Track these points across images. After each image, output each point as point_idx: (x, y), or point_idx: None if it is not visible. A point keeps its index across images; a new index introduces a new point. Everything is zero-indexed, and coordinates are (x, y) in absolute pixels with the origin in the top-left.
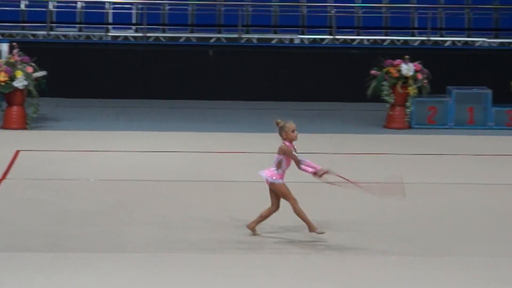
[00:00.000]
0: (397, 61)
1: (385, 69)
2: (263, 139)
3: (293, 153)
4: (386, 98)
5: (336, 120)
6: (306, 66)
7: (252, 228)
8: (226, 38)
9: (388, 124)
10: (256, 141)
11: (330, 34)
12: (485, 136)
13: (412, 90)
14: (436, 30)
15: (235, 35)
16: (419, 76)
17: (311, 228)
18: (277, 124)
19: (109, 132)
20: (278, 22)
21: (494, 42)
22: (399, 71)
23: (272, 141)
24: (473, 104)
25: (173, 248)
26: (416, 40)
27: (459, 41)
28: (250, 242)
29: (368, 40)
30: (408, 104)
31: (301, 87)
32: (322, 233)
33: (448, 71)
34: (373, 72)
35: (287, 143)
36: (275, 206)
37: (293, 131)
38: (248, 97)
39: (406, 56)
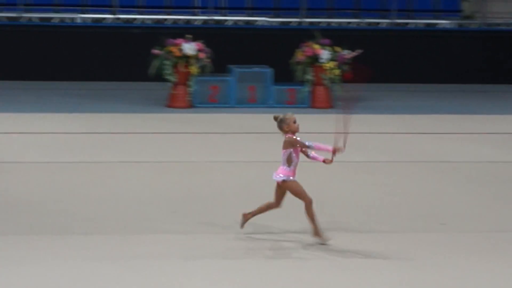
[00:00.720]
0: (179, 40)
1: (167, 49)
2: (43, 119)
3: (301, 141)
4: (168, 77)
5: (119, 99)
6: (88, 45)
7: (247, 219)
8: (6, 17)
9: (171, 103)
10: (36, 122)
11: (112, 14)
12: (266, 114)
13: (194, 69)
14: (218, 10)
15: (15, 14)
16: (201, 55)
17: (316, 234)
18: (276, 118)
19: None
20: (59, 1)
21: (274, 22)
22: (181, 50)
23: (54, 122)
24: (255, 83)
25: None
26: (199, 19)
27: (240, 20)
28: (29, 224)
29: (150, 19)
30: (190, 83)
31: (84, 66)
32: (325, 243)
33: (230, 50)
34: (155, 51)
35: (290, 135)
36: (277, 204)
37: (294, 122)
38: (29, 77)
39: (188, 35)
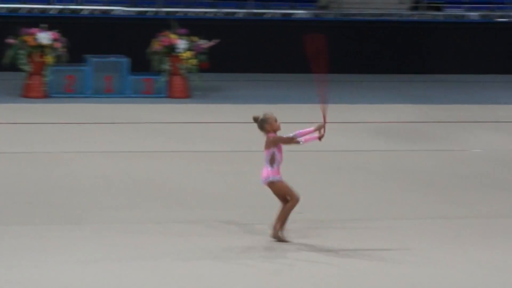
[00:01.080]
0: (34, 30)
1: (21, 38)
2: None
3: (283, 136)
4: (23, 67)
5: None
6: None
7: (278, 236)
8: None
9: (26, 93)
10: None
11: None
12: (123, 104)
13: (49, 59)
14: None
15: None
16: (57, 44)
17: (275, 233)
18: (256, 119)
19: None
20: None
21: (131, 11)
22: (36, 39)
23: None
24: (111, 73)
25: None
26: (54, 8)
27: (97, 9)
28: None
29: (4, 8)
30: (45, 73)
31: None
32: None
33: (86, 40)
34: (9, 40)
35: (272, 134)
36: (286, 200)
37: (275, 121)
38: None
39: (44, 25)
